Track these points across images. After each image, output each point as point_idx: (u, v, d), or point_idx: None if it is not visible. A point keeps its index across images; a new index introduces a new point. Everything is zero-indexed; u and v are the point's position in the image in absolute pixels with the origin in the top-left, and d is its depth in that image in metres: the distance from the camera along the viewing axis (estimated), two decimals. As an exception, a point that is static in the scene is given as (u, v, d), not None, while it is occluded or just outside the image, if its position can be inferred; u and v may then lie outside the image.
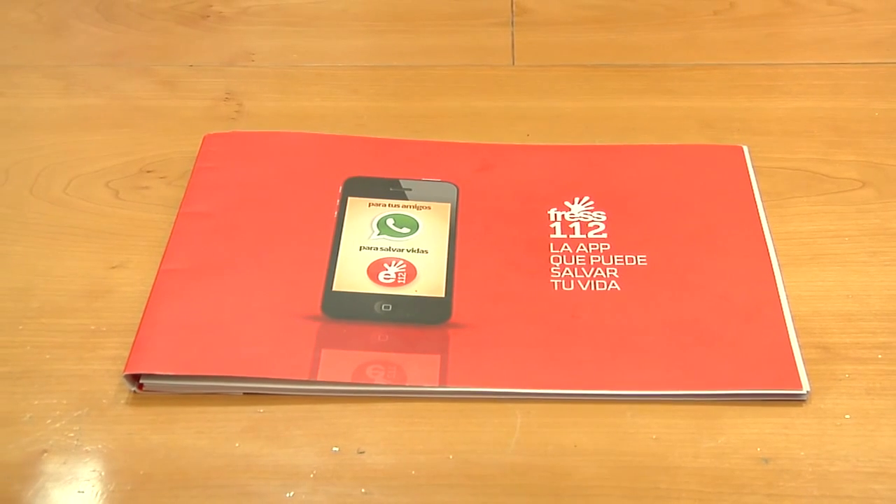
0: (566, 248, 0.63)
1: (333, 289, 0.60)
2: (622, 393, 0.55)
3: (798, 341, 0.57)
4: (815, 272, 0.62)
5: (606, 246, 0.63)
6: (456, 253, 0.63)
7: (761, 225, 0.64)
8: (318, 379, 0.56)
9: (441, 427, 0.54)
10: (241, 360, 0.56)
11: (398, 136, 0.72)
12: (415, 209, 0.65)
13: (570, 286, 0.60)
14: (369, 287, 0.61)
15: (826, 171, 0.69)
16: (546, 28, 0.84)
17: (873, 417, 0.54)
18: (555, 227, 0.64)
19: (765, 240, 0.63)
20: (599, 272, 0.61)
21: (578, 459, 0.53)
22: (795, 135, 0.72)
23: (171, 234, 0.63)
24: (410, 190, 0.67)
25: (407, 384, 0.56)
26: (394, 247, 0.63)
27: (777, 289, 0.60)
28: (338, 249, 0.63)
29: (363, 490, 0.52)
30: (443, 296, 0.60)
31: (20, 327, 0.60)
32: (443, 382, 0.56)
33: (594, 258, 0.62)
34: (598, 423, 0.54)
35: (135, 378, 0.56)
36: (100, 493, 0.52)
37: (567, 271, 0.61)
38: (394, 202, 0.66)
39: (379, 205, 0.66)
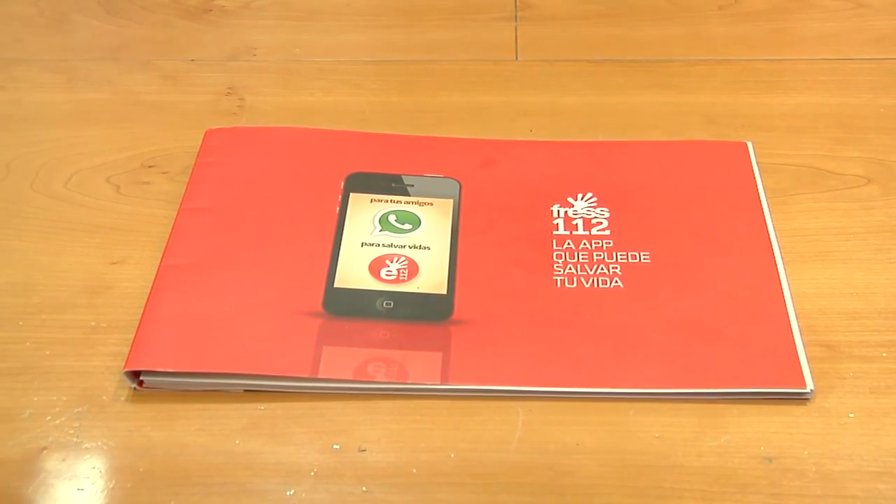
0: (569, 244, 0.62)
1: (335, 285, 0.60)
2: (625, 391, 0.55)
3: (802, 339, 0.57)
4: (819, 269, 0.62)
5: (609, 243, 0.62)
6: (458, 249, 0.62)
7: (765, 222, 0.63)
8: (320, 376, 0.55)
9: (443, 425, 0.54)
10: (242, 356, 0.56)
11: (400, 131, 0.71)
12: (417, 205, 0.65)
13: (572, 283, 0.60)
14: (371, 284, 0.60)
15: (831, 167, 0.69)
16: (550, 23, 0.83)
17: (878, 416, 0.54)
18: (558, 224, 0.64)
19: (769, 237, 0.62)
20: (602, 269, 0.61)
21: (581, 458, 0.52)
22: (800, 131, 0.72)
23: (173, 229, 0.63)
24: (413, 186, 0.66)
25: (408, 382, 0.55)
26: (396, 243, 0.63)
27: (781, 286, 0.60)
28: (339, 245, 0.62)
29: (364, 488, 0.51)
30: (445, 293, 0.60)
31: (20, 323, 0.59)
32: (444, 380, 0.55)
33: (597, 255, 0.62)
34: (600, 422, 0.54)
35: (135, 375, 0.56)
36: (100, 490, 0.52)
37: (570, 268, 0.61)
38: (396, 198, 0.65)
39: (381, 201, 0.65)
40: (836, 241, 0.63)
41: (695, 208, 0.65)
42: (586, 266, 0.61)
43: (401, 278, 0.61)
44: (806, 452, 0.52)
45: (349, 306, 0.59)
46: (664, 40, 0.81)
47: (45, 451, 0.53)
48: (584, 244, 0.62)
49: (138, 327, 0.57)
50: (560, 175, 0.67)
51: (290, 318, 0.58)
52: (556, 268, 0.61)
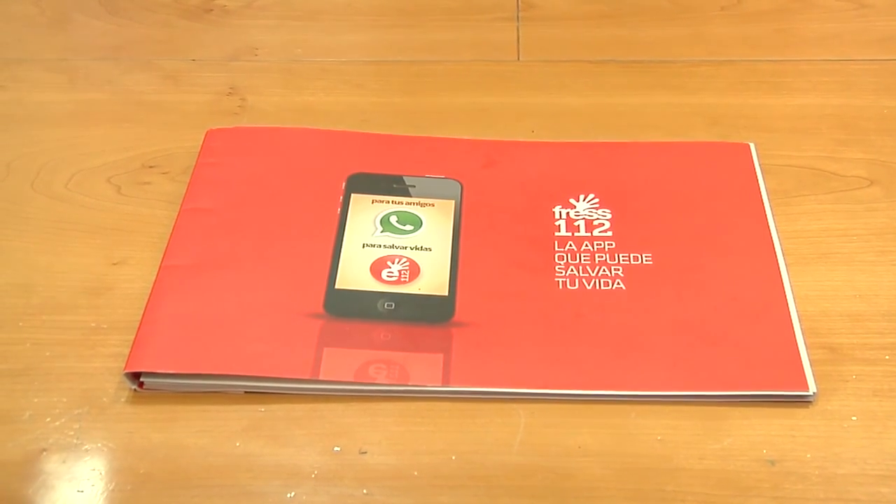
0: (571, 246, 0.62)
1: (336, 286, 0.60)
2: (627, 393, 0.55)
3: (805, 342, 0.57)
4: (822, 271, 0.61)
5: (611, 244, 0.62)
6: (459, 251, 0.62)
7: (768, 223, 0.63)
8: (320, 378, 0.55)
9: (444, 427, 0.54)
10: (243, 358, 0.56)
11: (402, 132, 0.71)
12: (418, 206, 0.65)
13: (574, 285, 0.60)
14: (372, 285, 0.60)
15: (834, 168, 0.69)
16: (552, 23, 0.83)
17: (881, 419, 0.54)
18: (559, 225, 0.64)
19: (771, 238, 0.62)
20: (604, 271, 0.61)
21: (583, 461, 0.52)
22: (803, 132, 0.72)
23: (173, 230, 0.63)
24: (414, 187, 0.66)
25: (410, 384, 0.55)
26: (397, 244, 0.62)
27: (784, 288, 0.59)
28: (340, 247, 0.62)
29: (365, 491, 0.51)
30: (446, 294, 0.60)
31: (20, 324, 0.59)
32: (446, 382, 0.55)
33: (599, 256, 0.62)
34: (602, 424, 0.54)
35: (135, 376, 0.55)
36: (100, 492, 0.52)
37: (572, 270, 0.61)
38: (397, 199, 0.65)
39: (382, 201, 0.65)
40: (839, 243, 0.63)
41: (697, 210, 0.64)
42: (588, 268, 0.61)
43: (402, 280, 0.61)
44: (809, 455, 0.52)
45: (350, 308, 0.59)
46: (666, 41, 0.81)
47: (44, 453, 0.53)
48: (586, 245, 0.62)
49: (138, 328, 0.57)
50: (562, 176, 0.67)
51: (291, 320, 0.58)
52: (557, 269, 0.61)
